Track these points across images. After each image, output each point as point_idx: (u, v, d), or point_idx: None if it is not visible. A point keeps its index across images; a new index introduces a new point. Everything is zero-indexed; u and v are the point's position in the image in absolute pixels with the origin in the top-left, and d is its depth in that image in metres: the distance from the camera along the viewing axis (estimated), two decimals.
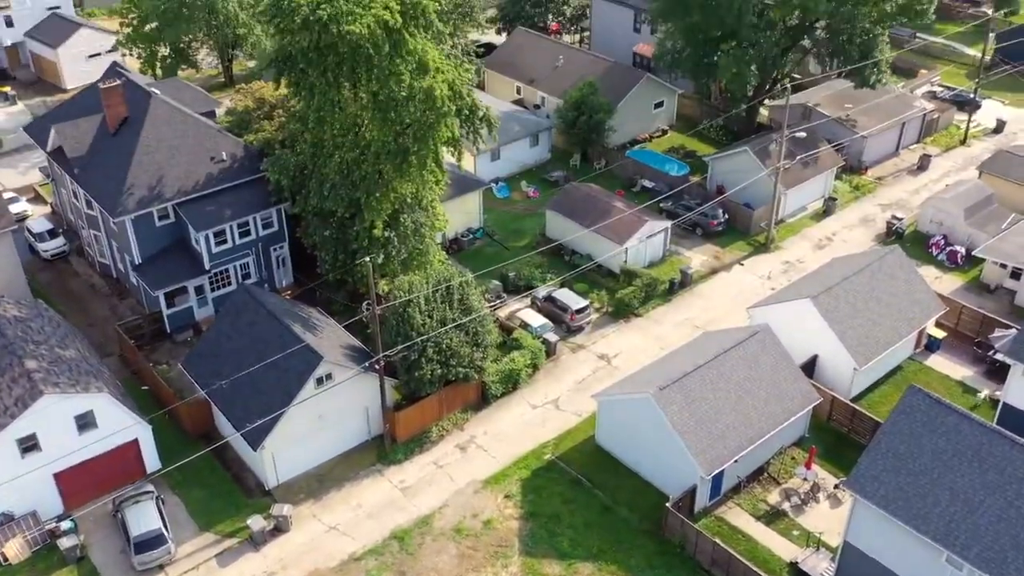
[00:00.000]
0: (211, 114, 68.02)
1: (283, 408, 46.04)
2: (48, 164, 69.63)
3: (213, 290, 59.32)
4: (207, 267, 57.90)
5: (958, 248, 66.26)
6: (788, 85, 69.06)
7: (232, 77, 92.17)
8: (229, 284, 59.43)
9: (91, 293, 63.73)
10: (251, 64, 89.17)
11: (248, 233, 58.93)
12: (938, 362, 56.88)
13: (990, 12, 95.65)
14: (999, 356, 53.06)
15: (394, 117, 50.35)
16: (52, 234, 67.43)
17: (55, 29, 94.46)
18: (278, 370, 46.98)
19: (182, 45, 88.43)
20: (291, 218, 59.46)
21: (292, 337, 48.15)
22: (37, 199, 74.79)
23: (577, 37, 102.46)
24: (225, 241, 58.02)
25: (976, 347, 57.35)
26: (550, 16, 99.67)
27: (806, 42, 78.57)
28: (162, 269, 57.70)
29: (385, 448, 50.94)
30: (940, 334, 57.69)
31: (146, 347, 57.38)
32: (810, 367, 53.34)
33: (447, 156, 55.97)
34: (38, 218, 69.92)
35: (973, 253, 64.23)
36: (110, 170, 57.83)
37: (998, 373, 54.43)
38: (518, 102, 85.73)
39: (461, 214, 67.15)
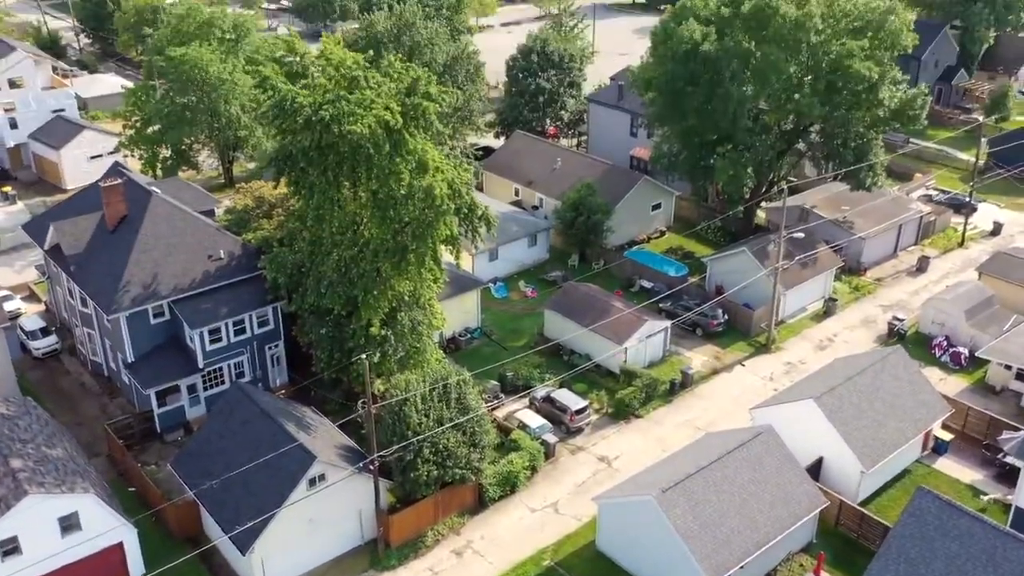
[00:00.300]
0: (210, 213, 68.17)
1: (274, 510, 44.59)
2: (44, 262, 69.37)
3: (206, 389, 58.32)
4: (201, 365, 57.05)
5: (961, 349, 65.64)
6: (784, 187, 69.52)
7: (232, 178, 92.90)
8: (222, 383, 58.44)
9: (81, 391, 62.69)
10: (251, 165, 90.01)
11: (244, 331, 58.28)
12: (946, 465, 55.62)
13: (981, 118, 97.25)
14: (1009, 459, 51.92)
15: (393, 215, 50.36)
16: (44, 332, 66.73)
17: (59, 131, 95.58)
18: (270, 470, 45.69)
19: (183, 147, 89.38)
20: (287, 316, 58.89)
21: (285, 436, 47.02)
22: (32, 297, 74.38)
23: (575, 141, 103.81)
24: (220, 339, 57.31)
25: (985, 450, 56.18)
26: (548, 120, 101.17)
27: (801, 145, 79.55)
28: (154, 367, 56.81)
29: (378, 553, 49.20)
30: (947, 436, 56.63)
31: (135, 447, 56.09)
32: (816, 469, 52.06)
33: (445, 255, 55.80)
34: (31, 316, 69.35)
35: (976, 354, 63.58)
36: (107, 267, 57.53)
37: (1008, 476, 53.17)
38: (516, 203, 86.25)
39: (459, 313, 66.68)
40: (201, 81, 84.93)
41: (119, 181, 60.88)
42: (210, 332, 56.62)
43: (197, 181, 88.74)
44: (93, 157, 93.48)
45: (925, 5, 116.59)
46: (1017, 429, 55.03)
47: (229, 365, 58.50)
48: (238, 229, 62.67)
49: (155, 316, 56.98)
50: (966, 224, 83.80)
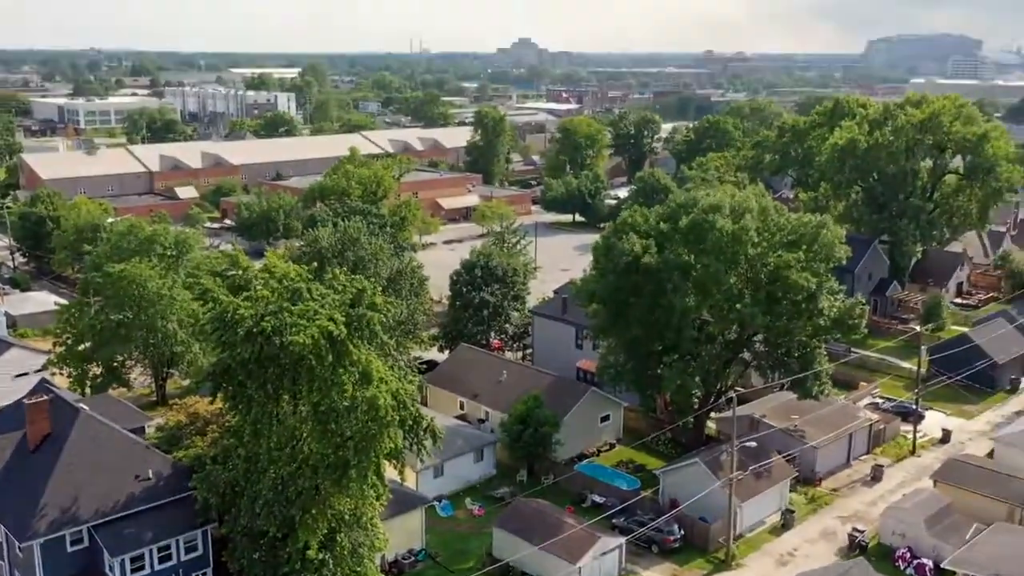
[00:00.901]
0: (140, 430, 65.13)
1: None
2: None
3: None
4: None
5: (925, 561, 63.29)
6: (733, 396, 68.81)
7: (165, 396, 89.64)
8: None
9: None
10: (186, 382, 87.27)
11: (169, 558, 54.21)
12: None
13: (918, 328, 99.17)
14: None
15: (335, 428, 48.31)
16: None
17: None
18: None
19: (115, 364, 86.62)
20: (217, 540, 55.03)
21: None
22: None
23: (520, 354, 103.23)
24: (143, 567, 53.17)
25: None
26: (492, 334, 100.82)
27: (746, 355, 79.61)
28: None
29: None
30: None
31: None
32: None
33: (389, 471, 53.18)
34: None
35: (942, 566, 61.34)
36: (23, 490, 53.78)
37: None
38: (461, 417, 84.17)
39: (402, 534, 62.98)
40: (138, 297, 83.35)
41: (44, 399, 58.17)
42: (132, 560, 52.60)
43: (128, 398, 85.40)
44: (18, 375, 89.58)
45: (853, 221, 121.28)
46: None
47: None
48: (169, 447, 59.88)
49: (72, 543, 52.76)
50: (915, 432, 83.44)
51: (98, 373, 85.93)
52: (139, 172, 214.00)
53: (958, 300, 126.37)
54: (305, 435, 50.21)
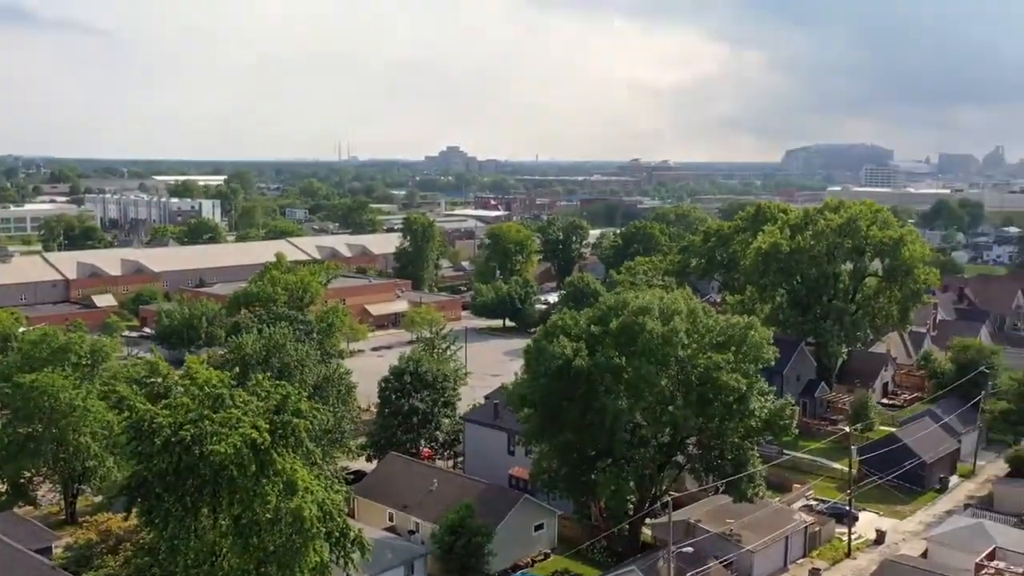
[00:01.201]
0: (47, 550, 61.12)
1: None
2: None
3: None
4: None
5: None
6: (669, 500, 67.68)
7: (75, 513, 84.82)
8: None
9: None
10: (97, 499, 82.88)
11: None
12: None
13: (847, 428, 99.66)
14: None
15: (257, 542, 46.07)
16: None
17: None
18: None
19: (22, 480, 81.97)
20: None
21: None
22: None
23: (451, 462, 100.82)
24: None
25: None
26: (422, 441, 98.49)
27: (680, 458, 78.82)
28: None
29: None
30: None
31: None
32: None
33: None
34: None
35: None
36: None
37: None
38: (391, 529, 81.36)
39: None
40: (49, 408, 79.42)
41: None
42: None
43: (35, 517, 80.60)
44: None
45: (779, 323, 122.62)
46: None
47: None
48: (78, 568, 56.45)
49: None
50: (850, 534, 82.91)
51: (2, 490, 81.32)
52: (55, 280, 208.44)
53: (885, 400, 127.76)
54: (225, 550, 47.68)
